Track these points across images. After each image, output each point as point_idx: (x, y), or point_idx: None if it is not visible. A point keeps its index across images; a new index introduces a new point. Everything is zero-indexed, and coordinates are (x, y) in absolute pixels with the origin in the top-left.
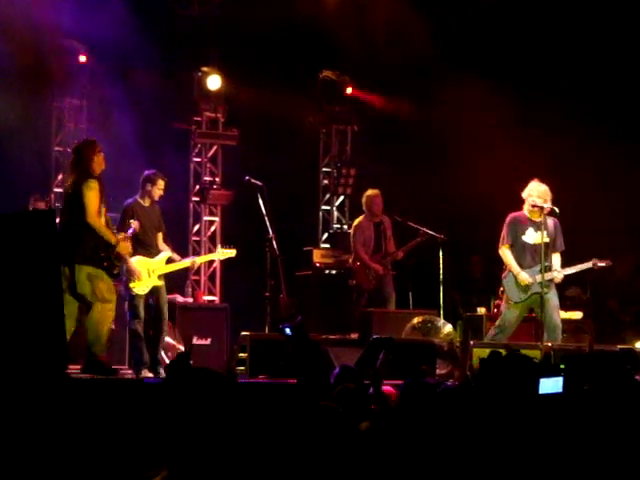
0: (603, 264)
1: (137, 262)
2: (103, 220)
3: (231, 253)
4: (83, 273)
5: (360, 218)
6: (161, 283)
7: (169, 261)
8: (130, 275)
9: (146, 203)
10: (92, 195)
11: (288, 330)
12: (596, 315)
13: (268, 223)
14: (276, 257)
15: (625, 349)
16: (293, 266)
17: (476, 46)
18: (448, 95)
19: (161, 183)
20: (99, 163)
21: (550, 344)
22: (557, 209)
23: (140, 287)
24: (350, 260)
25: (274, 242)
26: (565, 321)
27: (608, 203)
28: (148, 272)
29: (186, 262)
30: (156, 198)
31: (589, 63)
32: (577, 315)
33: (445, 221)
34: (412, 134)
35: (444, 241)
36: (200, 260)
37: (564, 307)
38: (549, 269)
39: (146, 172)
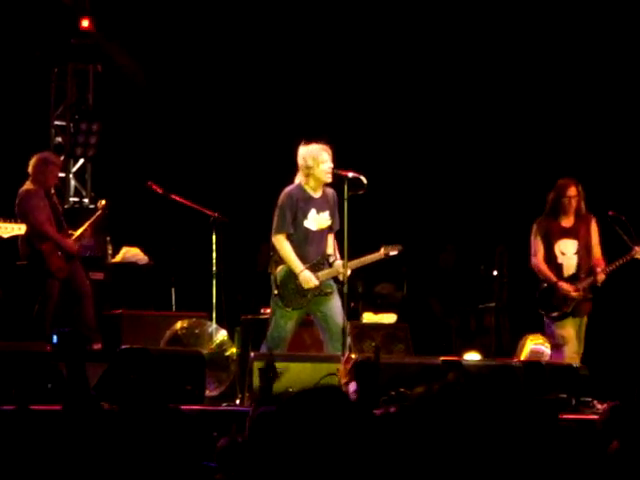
0: (395, 252)
1: None
2: None
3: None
4: None
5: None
6: None
7: None
8: None
9: None
10: None
11: (55, 338)
12: (414, 318)
13: None
14: None
15: (450, 361)
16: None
17: None
18: None
19: None
20: None
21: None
22: (364, 178)
23: None
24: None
25: None
26: (375, 326)
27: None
28: None
29: None
30: None
31: None
32: (390, 318)
33: (228, 200)
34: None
35: (221, 221)
36: None
37: (373, 307)
38: (330, 261)
39: None
